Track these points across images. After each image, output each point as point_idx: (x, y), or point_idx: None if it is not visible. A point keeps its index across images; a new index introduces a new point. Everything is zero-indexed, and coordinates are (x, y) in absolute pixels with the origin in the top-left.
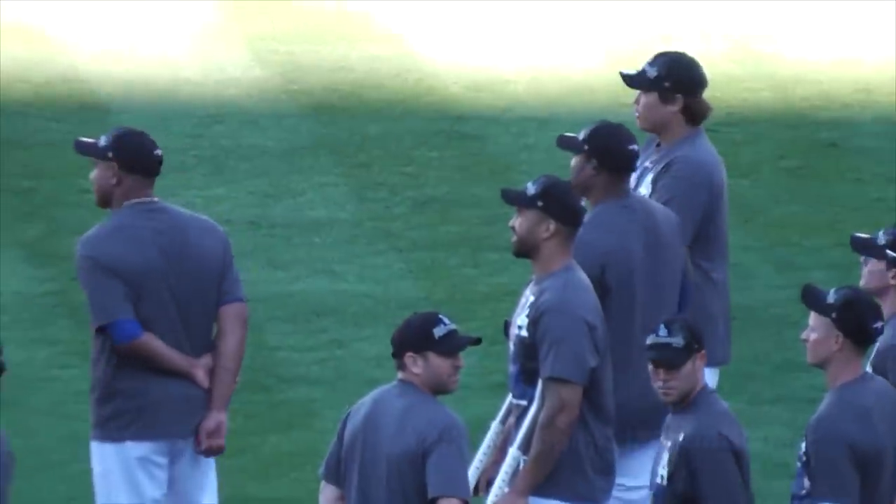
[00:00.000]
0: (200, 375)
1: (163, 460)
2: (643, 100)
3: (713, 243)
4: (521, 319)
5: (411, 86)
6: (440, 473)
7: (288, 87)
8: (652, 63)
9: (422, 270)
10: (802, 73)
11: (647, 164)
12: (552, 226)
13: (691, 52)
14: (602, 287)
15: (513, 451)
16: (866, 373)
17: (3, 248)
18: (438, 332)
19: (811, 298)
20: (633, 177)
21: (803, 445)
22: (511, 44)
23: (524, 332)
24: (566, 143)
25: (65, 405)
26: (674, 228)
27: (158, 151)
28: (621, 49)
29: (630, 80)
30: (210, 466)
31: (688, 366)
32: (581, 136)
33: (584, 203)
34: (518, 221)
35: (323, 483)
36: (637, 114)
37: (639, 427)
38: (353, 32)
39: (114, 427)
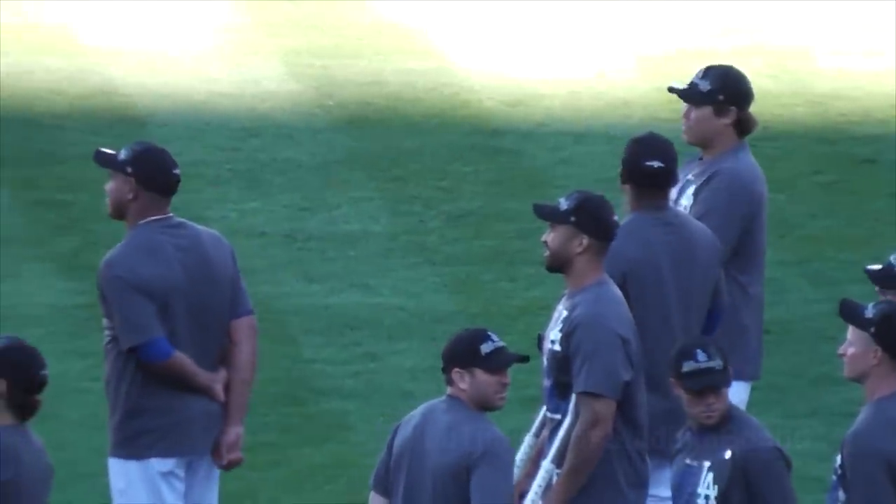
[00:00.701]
0: (218, 390)
1: (182, 474)
2: (694, 114)
3: (751, 258)
4: (553, 334)
5: (446, 100)
6: (484, 489)
7: (323, 102)
8: (703, 76)
9: (456, 284)
10: (839, 88)
11: (690, 176)
12: (585, 241)
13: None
14: (624, 294)
15: (546, 465)
16: None
17: (39, 261)
18: (485, 348)
19: (849, 313)
20: (675, 189)
21: (839, 459)
22: (547, 58)
23: (557, 347)
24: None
25: (98, 417)
26: (710, 247)
27: (177, 171)
28: (656, 64)
29: (682, 94)
30: (217, 481)
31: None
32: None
33: (615, 219)
34: (551, 237)
35: (371, 493)
36: (685, 127)
37: (665, 440)
38: (388, 46)
39: (140, 445)
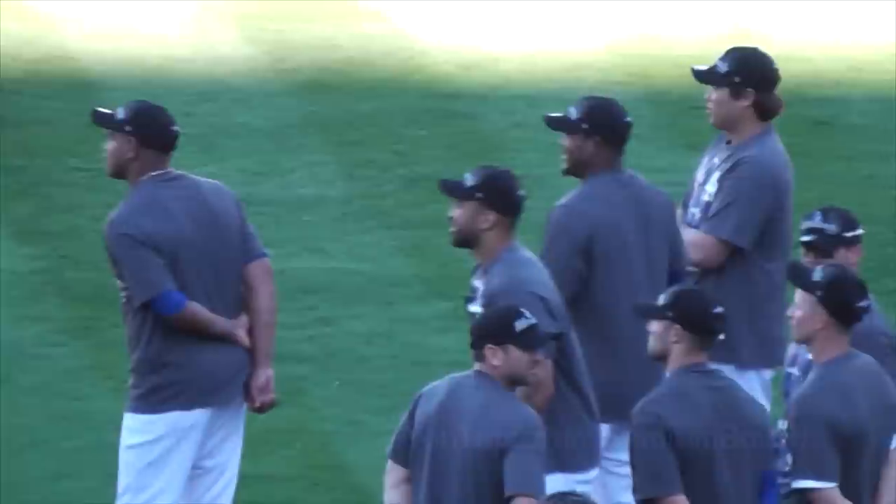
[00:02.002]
0: (242, 335)
1: (204, 424)
2: (714, 95)
3: (776, 246)
4: (474, 308)
5: (401, 64)
6: (517, 472)
7: (277, 66)
8: (723, 58)
9: (412, 248)
10: (793, 51)
11: (716, 160)
12: (492, 216)
13: (681, 31)
14: (589, 257)
15: None
16: (851, 351)
17: None
18: (520, 325)
19: (797, 275)
20: (701, 173)
21: (786, 423)
22: (501, 22)
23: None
24: (558, 124)
25: (54, 383)
26: (666, 207)
27: (176, 127)
28: (612, 27)
29: (701, 76)
30: (243, 426)
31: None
32: (575, 114)
33: (522, 193)
34: (457, 213)
35: (390, 463)
36: (708, 109)
37: (628, 403)
38: (343, 11)
39: (161, 398)
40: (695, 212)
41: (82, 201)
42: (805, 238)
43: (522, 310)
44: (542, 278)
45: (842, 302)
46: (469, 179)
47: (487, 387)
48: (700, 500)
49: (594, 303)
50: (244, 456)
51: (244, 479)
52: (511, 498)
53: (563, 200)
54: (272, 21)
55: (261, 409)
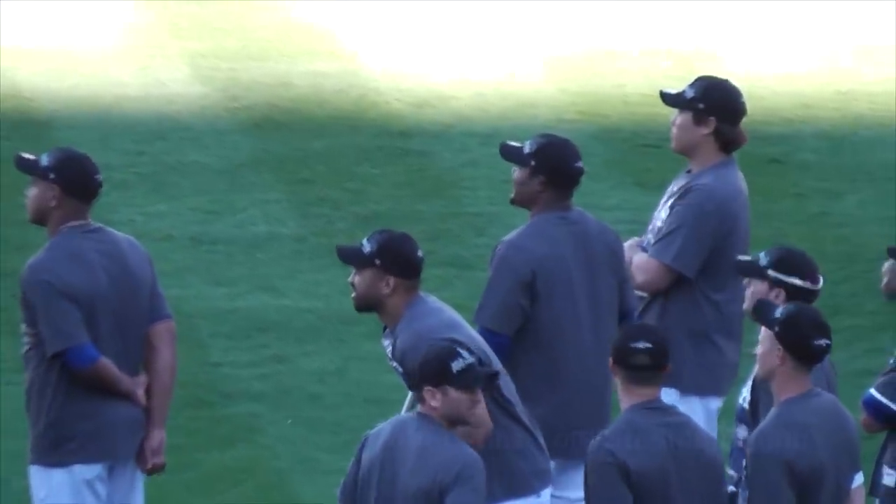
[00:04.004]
0: (140, 394)
1: (105, 479)
2: (678, 120)
3: (725, 276)
4: (393, 367)
5: (354, 101)
6: None
7: (229, 105)
8: (692, 84)
9: None
10: (744, 88)
11: (674, 188)
12: (392, 281)
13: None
14: (532, 293)
15: None
16: (812, 389)
17: None
18: (456, 366)
19: (760, 312)
20: (662, 199)
21: (744, 460)
22: (454, 60)
23: (401, 371)
24: (510, 154)
25: (7, 422)
26: (613, 244)
27: (99, 177)
28: (563, 65)
29: (668, 99)
30: (141, 486)
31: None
32: (527, 149)
33: (420, 255)
34: (357, 279)
35: None
36: (672, 134)
37: (574, 440)
38: (294, 49)
39: (64, 451)
40: (650, 237)
41: (34, 240)
42: (742, 257)
43: (459, 350)
44: (446, 321)
45: (798, 339)
46: (367, 246)
47: (428, 428)
48: None
49: (537, 338)
50: (199, 494)
51: None
52: None
53: (508, 237)
54: (224, 60)
55: (151, 472)
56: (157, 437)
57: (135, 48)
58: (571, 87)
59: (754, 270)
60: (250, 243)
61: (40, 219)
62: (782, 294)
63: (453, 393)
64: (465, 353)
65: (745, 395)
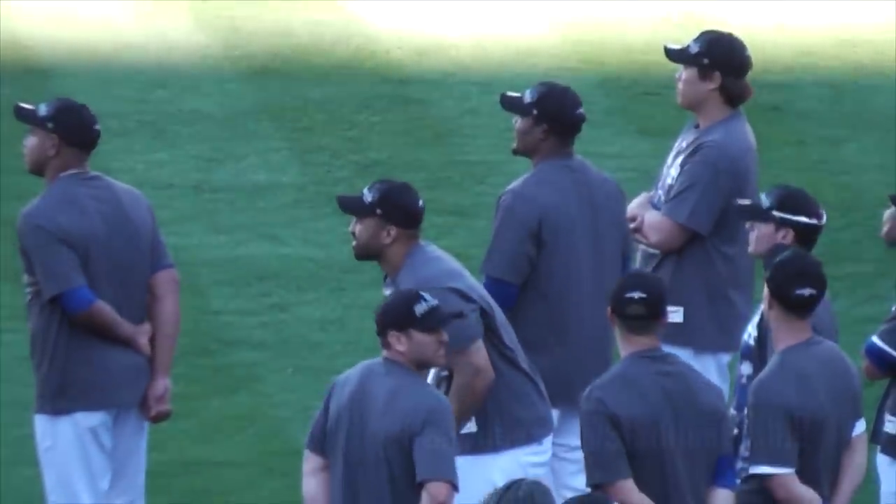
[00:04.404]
0: (143, 342)
1: (110, 426)
2: (684, 75)
3: (736, 231)
4: None
5: (353, 50)
6: (427, 457)
7: (230, 53)
8: (696, 39)
9: None
10: (744, 37)
11: (683, 143)
12: (393, 231)
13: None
14: (538, 242)
15: None
16: (813, 337)
17: None
18: (419, 309)
19: (769, 259)
20: (671, 155)
21: (745, 409)
22: (454, 8)
23: None
24: (511, 105)
25: (7, 370)
26: (614, 194)
27: (97, 126)
28: (564, 13)
29: (672, 55)
30: (145, 433)
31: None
32: (528, 98)
33: (421, 205)
34: (358, 228)
35: (307, 452)
36: (678, 90)
37: (576, 388)
38: None
39: (66, 398)
40: (660, 194)
41: (35, 188)
42: (742, 201)
43: (422, 294)
44: (447, 270)
45: (779, 287)
46: (368, 196)
47: (396, 373)
48: (651, 484)
49: (542, 287)
50: (199, 442)
51: (198, 466)
52: (423, 483)
53: (511, 186)
54: (224, 8)
55: (155, 419)
56: (162, 384)
57: None
58: (572, 36)
59: (759, 213)
60: (251, 192)
61: (39, 168)
62: (790, 234)
63: (418, 336)
64: (427, 296)
65: (750, 331)
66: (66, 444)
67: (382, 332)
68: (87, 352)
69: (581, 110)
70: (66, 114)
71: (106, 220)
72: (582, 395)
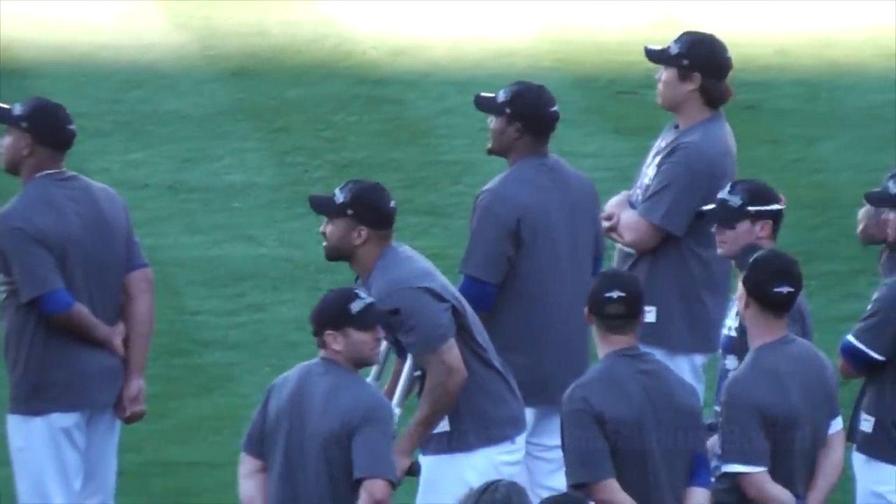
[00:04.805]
0: (118, 343)
1: (83, 427)
2: (664, 76)
3: (709, 231)
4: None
5: (330, 50)
6: (365, 455)
7: (206, 53)
8: (677, 40)
9: None
10: (721, 36)
11: (662, 144)
12: (364, 232)
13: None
14: (517, 241)
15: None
16: (787, 335)
17: None
18: (355, 307)
19: (741, 258)
20: (650, 155)
21: (718, 406)
22: (430, 8)
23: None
24: (485, 105)
25: None
26: (588, 193)
27: (72, 126)
28: (540, 14)
29: (653, 56)
30: (117, 433)
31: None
32: (501, 97)
33: (393, 206)
34: (329, 229)
35: (243, 455)
36: (658, 91)
37: (552, 388)
38: None
39: (41, 399)
40: (638, 193)
41: (11, 188)
42: (707, 207)
43: (357, 291)
44: (418, 270)
45: (756, 285)
46: (339, 196)
47: (334, 372)
48: (632, 484)
49: (520, 288)
50: (176, 443)
51: (174, 467)
52: (361, 481)
53: (489, 185)
54: (200, 8)
55: (129, 420)
56: (136, 385)
57: None
58: (549, 36)
59: (734, 214)
60: (227, 192)
61: (14, 167)
62: (768, 225)
63: (355, 334)
64: (362, 293)
65: (729, 324)
66: (39, 445)
67: (319, 331)
68: (62, 353)
69: (555, 108)
70: (40, 113)
71: (83, 221)
72: (559, 394)
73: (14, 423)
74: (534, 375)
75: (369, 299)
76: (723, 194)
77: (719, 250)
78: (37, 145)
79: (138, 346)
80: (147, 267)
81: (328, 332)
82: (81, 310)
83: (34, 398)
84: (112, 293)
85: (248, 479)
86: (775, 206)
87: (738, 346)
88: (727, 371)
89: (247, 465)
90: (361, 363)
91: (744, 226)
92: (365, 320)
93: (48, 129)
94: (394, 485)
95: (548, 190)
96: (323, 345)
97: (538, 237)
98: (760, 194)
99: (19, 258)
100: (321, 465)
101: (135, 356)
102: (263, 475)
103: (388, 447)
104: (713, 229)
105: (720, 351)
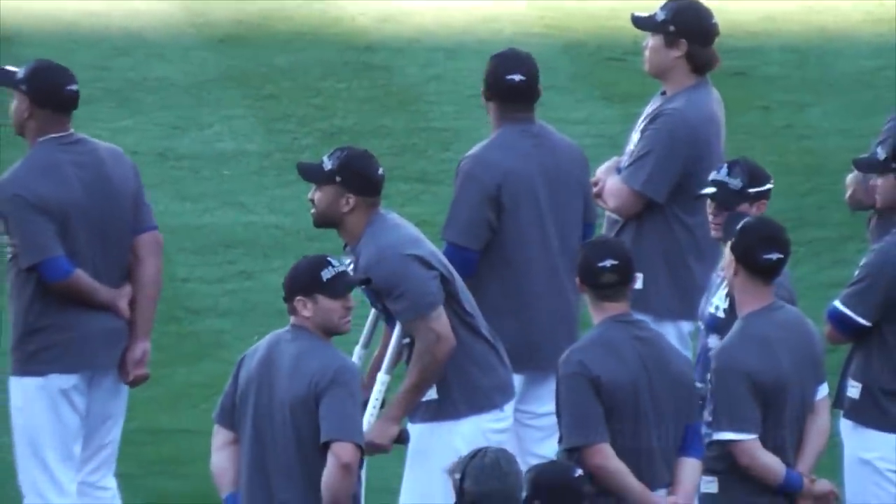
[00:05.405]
0: (123, 306)
1: (84, 389)
2: (650, 42)
3: (694, 199)
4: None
5: (318, 17)
6: (333, 418)
7: (194, 20)
8: (663, 7)
9: None
10: (709, 3)
11: (649, 110)
12: (352, 199)
13: None
14: (499, 206)
15: (381, 377)
16: (775, 302)
17: None
18: (326, 274)
19: (727, 227)
20: (638, 122)
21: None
22: None
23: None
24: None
25: None
26: (576, 159)
27: (73, 87)
28: None
29: (639, 23)
30: (125, 397)
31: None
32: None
33: (381, 173)
34: (317, 196)
35: (216, 427)
36: (644, 57)
37: (541, 354)
38: None
39: (40, 360)
40: (625, 159)
41: (4, 156)
42: (706, 190)
43: (330, 259)
44: (407, 237)
45: (745, 251)
46: (327, 163)
47: (302, 338)
48: (625, 451)
49: (504, 254)
50: (166, 410)
51: (165, 434)
52: (328, 444)
53: (472, 150)
54: None
55: (133, 383)
56: (140, 348)
57: None
58: (537, 2)
59: (736, 197)
60: (216, 159)
61: (20, 130)
62: (764, 204)
63: (325, 301)
64: (335, 261)
65: (717, 303)
66: (37, 406)
67: (289, 297)
68: (63, 315)
69: (517, 77)
70: (39, 75)
71: (85, 185)
72: (546, 361)
73: (14, 383)
74: (521, 342)
75: (342, 267)
76: (720, 176)
77: (714, 233)
78: (36, 108)
79: (145, 309)
80: (156, 229)
81: (298, 298)
82: (81, 276)
83: (33, 359)
84: (117, 256)
85: (220, 452)
86: (770, 185)
87: (723, 326)
88: (708, 349)
89: (219, 437)
90: (331, 331)
91: (742, 207)
92: (335, 288)
93: (45, 90)
94: (361, 449)
95: (530, 156)
96: (293, 311)
97: (520, 203)
98: (758, 175)
99: (18, 225)
100: (289, 431)
101: (141, 319)
102: (235, 447)
103: (355, 411)
104: (709, 210)
105: (701, 325)
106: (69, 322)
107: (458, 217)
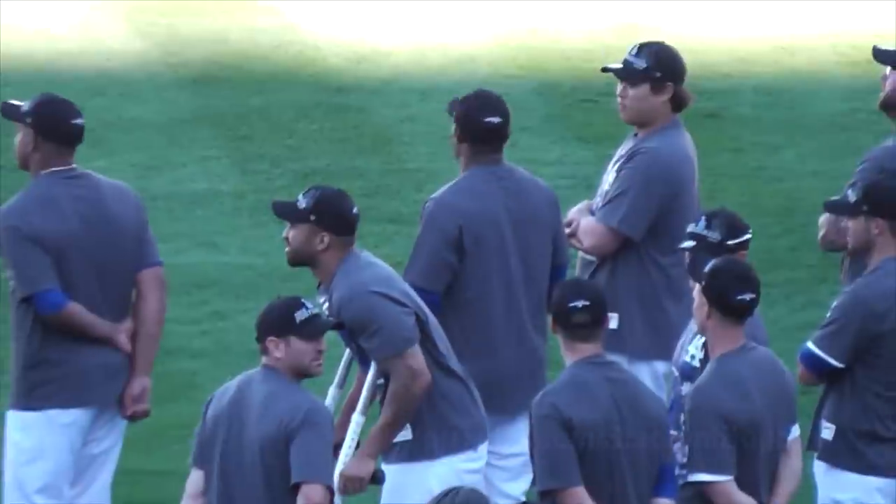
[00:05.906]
0: (123, 340)
1: (86, 424)
2: (632, 92)
3: (670, 240)
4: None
5: (292, 57)
6: (303, 459)
7: (168, 60)
8: (637, 54)
9: None
10: (681, 43)
11: (622, 151)
12: (326, 238)
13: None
14: (460, 250)
15: (356, 417)
16: (747, 343)
17: None
18: (300, 315)
19: (693, 268)
20: (611, 163)
21: (682, 415)
22: (392, 16)
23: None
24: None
25: None
26: (545, 202)
27: (79, 120)
28: (501, 21)
29: (619, 74)
30: (120, 433)
31: None
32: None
33: (356, 212)
34: (291, 234)
35: (193, 470)
36: (621, 106)
37: (504, 397)
38: (233, 4)
39: (38, 396)
40: (598, 201)
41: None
42: (685, 244)
43: (304, 301)
44: (381, 275)
45: (719, 293)
46: (302, 202)
47: (273, 379)
48: (599, 492)
49: (467, 296)
50: (139, 451)
51: (137, 475)
52: (298, 486)
53: (436, 193)
54: (162, 15)
55: (132, 418)
56: (139, 383)
57: (72, 3)
58: (511, 43)
59: (716, 250)
60: (190, 200)
61: (24, 164)
62: (744, 255)
63: (297, 343)
64: (309, 303)
65: (693, 352)
66: (36, 440)
67: (262, 337)
68: (60, 349)
69: (494, 118)
70: (43, 108)
71: (84, 219)
72: (511, 403)
73: (13, 418)
74: (487, 384)
75: (315, 310)
76: (699, 229)
77: (692, 281)
78: (41, 141)
79: (145, 345)
80: (160, 266)
81: (270, 338)
82: (75, 310)
83: (32, 394)
84: (117, 291)
85: (194, 500)
86: (748, 236)
87: (698, 375)
88: (682, 396)
89: (193, 477)
90: (301, 373)
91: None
92: (308, 330)
93: (49, 123)
94: (331, 490)
95: (496, 198)
96: (265, 351)
97: (482, 246)
98: (736, 226)
99: (13, 257)
100: (258, 471)
101: (141, 354)
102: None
103: (327, 452)
104: (686, 259)
105: (675, 371)
106: (68, 356)
107: (419, 259)
